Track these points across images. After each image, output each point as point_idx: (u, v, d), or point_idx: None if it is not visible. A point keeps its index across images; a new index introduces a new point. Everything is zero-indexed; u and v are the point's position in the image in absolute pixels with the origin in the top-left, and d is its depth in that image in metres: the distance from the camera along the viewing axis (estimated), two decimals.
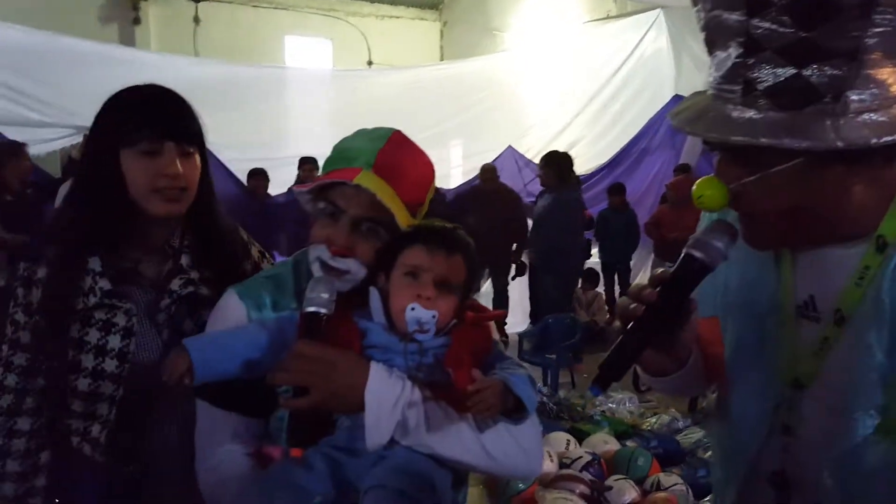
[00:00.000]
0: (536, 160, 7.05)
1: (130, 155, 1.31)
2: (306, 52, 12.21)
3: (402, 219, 1.20)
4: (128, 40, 10.52)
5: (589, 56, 7.97)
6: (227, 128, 6.13)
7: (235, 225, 1.51)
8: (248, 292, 1.27)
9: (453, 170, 8.52)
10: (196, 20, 11.37)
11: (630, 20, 8.13)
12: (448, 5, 12.99)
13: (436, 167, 1.34)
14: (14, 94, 6.27)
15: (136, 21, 10.83)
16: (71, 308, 1.31)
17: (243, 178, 6.81)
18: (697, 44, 7.12)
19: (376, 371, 1.10)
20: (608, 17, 8.70)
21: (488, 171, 7.18)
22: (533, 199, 6.78)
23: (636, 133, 7.49)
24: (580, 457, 2.50)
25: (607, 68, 7.85)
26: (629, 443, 2.81)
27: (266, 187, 6.90)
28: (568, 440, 2.72)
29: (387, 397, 1.08)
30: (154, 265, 1.40)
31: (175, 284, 1.38)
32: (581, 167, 7.99)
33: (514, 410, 1.14)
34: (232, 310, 1.26)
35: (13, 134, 6.04)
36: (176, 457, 1.40)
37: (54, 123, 6.45)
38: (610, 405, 3.67)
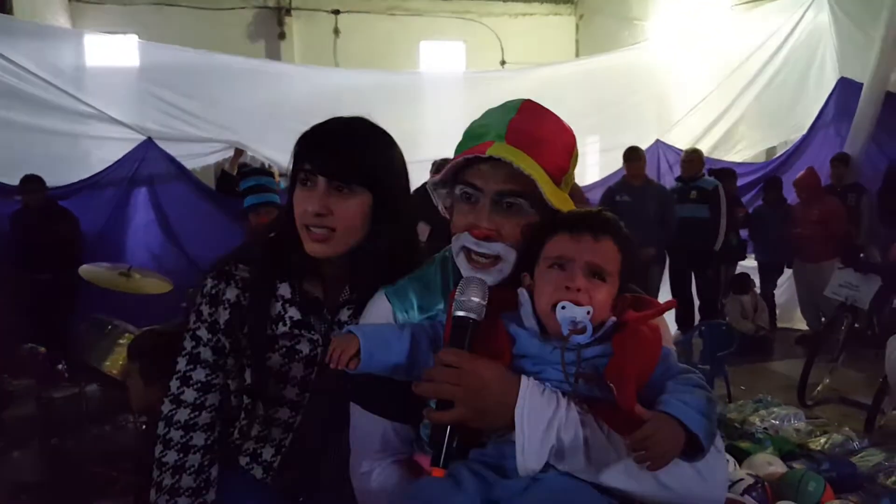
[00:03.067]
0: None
1: (297, 187, 1.28)
2: (440, 55, 12.34)
3: (546, 187, 1.07)
4: (274, 55, 11.10)
5: (740, 43, 7.37)
6: None
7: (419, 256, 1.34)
8: (396, 293, 1.21)
9: (589, 168, 8.21)
10: (336, 32, 11.83)
11: (784, 1, 7.46)
12: None
13: None
14: (172, 110, 6.54)
15: (282, 36, 11.45)
16: (262, 333, 1.30)
17: None
18: (866, 19, 6.42)
19: (527, 388, 0.98)
20: (759, 0, 8.04)
21: (634, 152, 6.09)
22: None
23: (799, 122, 6.84)
24: (741, 479, 2.28)
25: (761, 54, 7.22)
26: (796, 465, 2.55)
27: None
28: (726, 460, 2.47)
29: (539, 418, 0.96)
30: (334, 295, 1.35)
31: (344, 315, 1.34)
32: (737, 158, 7.49)
33: (689, 446, 0.96)
34: (380, 310, 1.20)
35: (172, 148, 6.38)
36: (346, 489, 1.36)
37: (209, 138, 6.67)
38: (773, 422, 3.34)
